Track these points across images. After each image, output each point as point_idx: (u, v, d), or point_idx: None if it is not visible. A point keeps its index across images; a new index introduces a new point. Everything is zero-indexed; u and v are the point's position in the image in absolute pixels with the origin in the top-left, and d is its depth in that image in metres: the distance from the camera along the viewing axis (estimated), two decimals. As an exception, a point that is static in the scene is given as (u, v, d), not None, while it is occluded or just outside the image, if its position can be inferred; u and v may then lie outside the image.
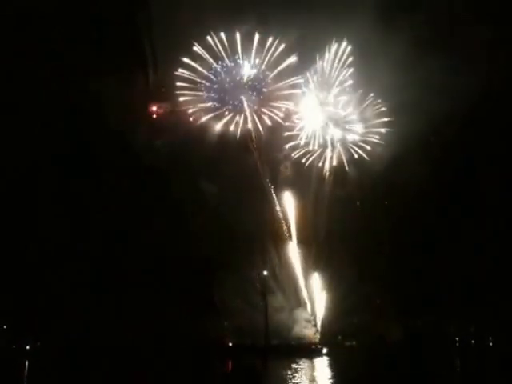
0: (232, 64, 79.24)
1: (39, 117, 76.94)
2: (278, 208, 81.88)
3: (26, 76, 74.59)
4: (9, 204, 76.15)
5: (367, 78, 76.66)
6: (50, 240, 76.39)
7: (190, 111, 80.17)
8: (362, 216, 78.60)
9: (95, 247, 77.16)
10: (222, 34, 77.46)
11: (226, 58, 78.92)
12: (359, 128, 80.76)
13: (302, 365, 64.80)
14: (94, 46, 78.04)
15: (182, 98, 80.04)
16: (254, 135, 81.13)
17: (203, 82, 79.50)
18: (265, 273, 78.55)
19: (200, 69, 79.01)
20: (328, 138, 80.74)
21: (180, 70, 78.47)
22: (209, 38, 77.61)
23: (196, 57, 78.71)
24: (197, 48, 78.08)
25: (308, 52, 78.67)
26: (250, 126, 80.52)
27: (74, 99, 77.17)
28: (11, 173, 75.36)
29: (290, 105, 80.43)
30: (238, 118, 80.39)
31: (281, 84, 79.68)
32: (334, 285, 78.26)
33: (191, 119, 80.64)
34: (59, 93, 76.24)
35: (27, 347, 78.87)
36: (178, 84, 79.20)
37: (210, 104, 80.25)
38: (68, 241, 77.05)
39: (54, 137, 76.70)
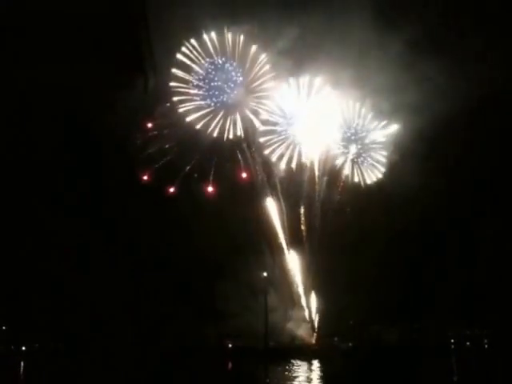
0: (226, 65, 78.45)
1: (38, 120, 76.89)
2: (272, 209, 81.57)
3: (24, 79, 74.31)
4: (6, 207, 76.06)
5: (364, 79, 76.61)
6: (50, 241, 76.55)
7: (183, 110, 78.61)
8: (358, 217, 78.57)
9: (95, 250, 77.62)
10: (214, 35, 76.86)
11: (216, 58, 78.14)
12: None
13: (300, 367, 64.78)
14: (92, 49, 77.71)
15: (175, 98, 78.78)
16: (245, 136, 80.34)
17: (195, 81, 78.49)
18: (265, 274, 78.49)
19: (195, 67, 78.13)
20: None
21: (173, 69, 77.51)
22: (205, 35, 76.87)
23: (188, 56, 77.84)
24: (188, 47, 77.19)
25: (304, 52, 78.26)
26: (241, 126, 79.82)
27: (73, 103, 76.88)
28: (10, 176, 75.36)
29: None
30: (230, 117, 79.60)
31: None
32: (330, 286, 78.36)
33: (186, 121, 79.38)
34: (57, 96, 75.92)
35: (23, 348, 79.11)
36: (172, 84, 78.19)
37: (202, 103, 78.99)
38: (68, 243, 77.44)
39: (53, 139, 76.75)
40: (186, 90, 78.14)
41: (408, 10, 75.49)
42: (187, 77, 78.15)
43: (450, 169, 77.87)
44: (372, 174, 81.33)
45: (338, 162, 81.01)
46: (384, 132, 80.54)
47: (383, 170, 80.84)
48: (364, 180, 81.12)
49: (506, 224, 78.03)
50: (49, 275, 75.93)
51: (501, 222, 78.07)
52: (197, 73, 78.26)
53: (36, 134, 76.25)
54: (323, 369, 63.74)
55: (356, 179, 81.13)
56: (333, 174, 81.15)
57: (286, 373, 57.27)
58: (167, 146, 78.70)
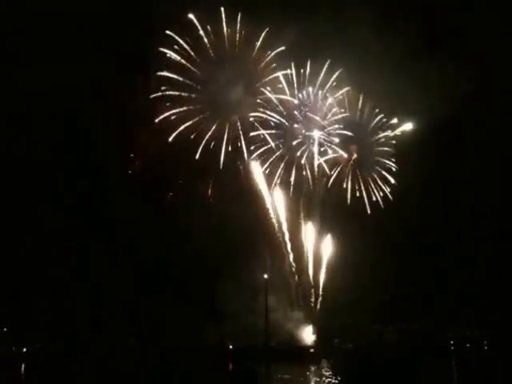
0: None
1: (38, 120, 76.81)
2: (271, 210, 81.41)
3: (24, 79, 74.31)
4: (6, 207, 76.06)
5: (364, 80, 76.58)
6: (50, 241, 76.53)
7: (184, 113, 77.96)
8: (359, 218, 78.44)
9: (96, 252, 77.62)
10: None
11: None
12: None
13: (300, 368, 64.92)
14: (92, 49, 77.67)
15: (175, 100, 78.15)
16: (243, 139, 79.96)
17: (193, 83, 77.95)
18: (265, 276, 78.17)
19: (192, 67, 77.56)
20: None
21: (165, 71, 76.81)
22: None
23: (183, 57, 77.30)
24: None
25: (305, 54, 78.26)
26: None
27: (73, 103, 76.88)
28: (10, 176, 75.29)
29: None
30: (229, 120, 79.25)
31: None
32: (329, 285, 78.47)
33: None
34: (57, 96, 75.94)
35: (24, 350, 79.19)
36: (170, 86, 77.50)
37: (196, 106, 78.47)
38: (68, 243, 77.46)
39: (53, 139, 76.71)
40: (185, 94, 77.88)
41: (408, 10, 75.80)
42: (185, 79, 77.78)
43: (450, 169, 78.04)
44: (379, 190, 78.91)
45: (339, 165, 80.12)
46: (389, 134, 79.95)
47: (393, 181, 78.56)
48: (370, 198, 78.76)
49: (506, 224, 78.15)
50: (49, 275, 76.00)
51: (501, 222, 78.25)
52: (195, 74, 77.88)
53: (36, 133, 76.42)
54: (323, 370, 63.71)
55: (358, 192, 79.53)
56: (333, 182, 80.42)
57: (286, 374, 57.32)
58: (166, 149, 78.45)
